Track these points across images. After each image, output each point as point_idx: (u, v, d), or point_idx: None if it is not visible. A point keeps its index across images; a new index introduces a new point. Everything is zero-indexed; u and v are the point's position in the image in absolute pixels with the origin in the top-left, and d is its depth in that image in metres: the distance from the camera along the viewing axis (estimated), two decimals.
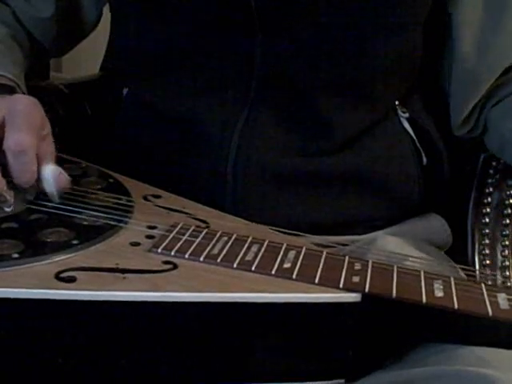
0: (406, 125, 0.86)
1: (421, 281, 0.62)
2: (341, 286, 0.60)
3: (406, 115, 0.86)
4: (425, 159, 0.87)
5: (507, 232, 0.94)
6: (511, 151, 0.86)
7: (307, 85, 0.80)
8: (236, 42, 0.79)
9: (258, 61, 0.79)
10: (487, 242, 0.95)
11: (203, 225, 0.70)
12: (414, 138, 0.87)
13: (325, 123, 0.81)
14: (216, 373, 0.61)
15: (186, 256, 0.63)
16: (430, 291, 0.61)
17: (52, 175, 0.69)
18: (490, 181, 0.95)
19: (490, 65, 0.85)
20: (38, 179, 0.70)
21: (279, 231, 0.70)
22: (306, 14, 0.77)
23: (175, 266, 0.62)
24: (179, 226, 0.68)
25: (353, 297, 0.60)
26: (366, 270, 0.63)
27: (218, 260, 0.63)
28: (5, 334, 0.57)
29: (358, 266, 0.64)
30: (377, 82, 0.82)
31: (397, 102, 0.86)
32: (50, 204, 0.69)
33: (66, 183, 0.70)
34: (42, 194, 0.70)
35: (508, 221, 0.94)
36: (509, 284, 0.93)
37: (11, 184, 0.68)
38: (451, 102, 0.89)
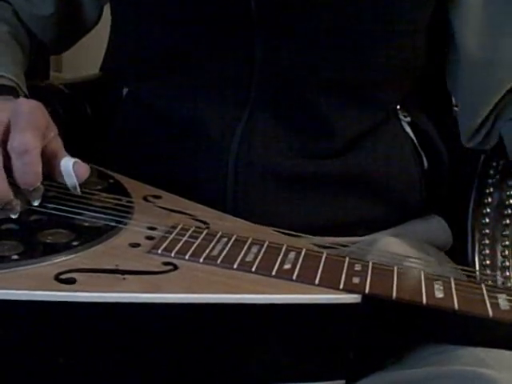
0: (408, 129, 0.86)
1: (421, 282, 0.62)
2: (341, 287, 0.60)
3: (408, 119, 0.86)
4: (426, 162, 0.87)
5: (507, 232, 0.94)
6: None
7: (307, 86, 0.80)
8: (236, 42, 0.79)
9: (258, 62, 0.79)
10: (487, 242, 0.94)
11: (203, 225, 0.70)
12: (415, 141, 0.87)
13: (325, 125, 0.81)
14: (216, 374, 0.61)
15: (186, 257, 0.63)
16: (431, 292, 0.61)
17: (70, 167, 0.69)
18: (490, 181, 0.95)
19: (499, 77, 0.84)
20: (57, 175, 0.69)
21: (279, 232, 0.70)
22: (307, 16, 0.77)
23: (175, 267, 0.62)
24: (179, 227, 0.68)
25: (353, 298, 0.60)
26: (367, 271, 0.63)
27: (218, 261, 0.63)
28: (5, 335, 0.57)
29: (358, 267, 0.64)
30: (378, 85, 0.82)
31: (398, 106, 0.86)
32: (49, 205, 0.69)
33: (86, 172, 0.69)
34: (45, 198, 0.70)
35: (508, 221, 0.94)
36: (509, 284, 0.93)
37: (16, 188, 0.67)
38: (459, 114, 0.88)
